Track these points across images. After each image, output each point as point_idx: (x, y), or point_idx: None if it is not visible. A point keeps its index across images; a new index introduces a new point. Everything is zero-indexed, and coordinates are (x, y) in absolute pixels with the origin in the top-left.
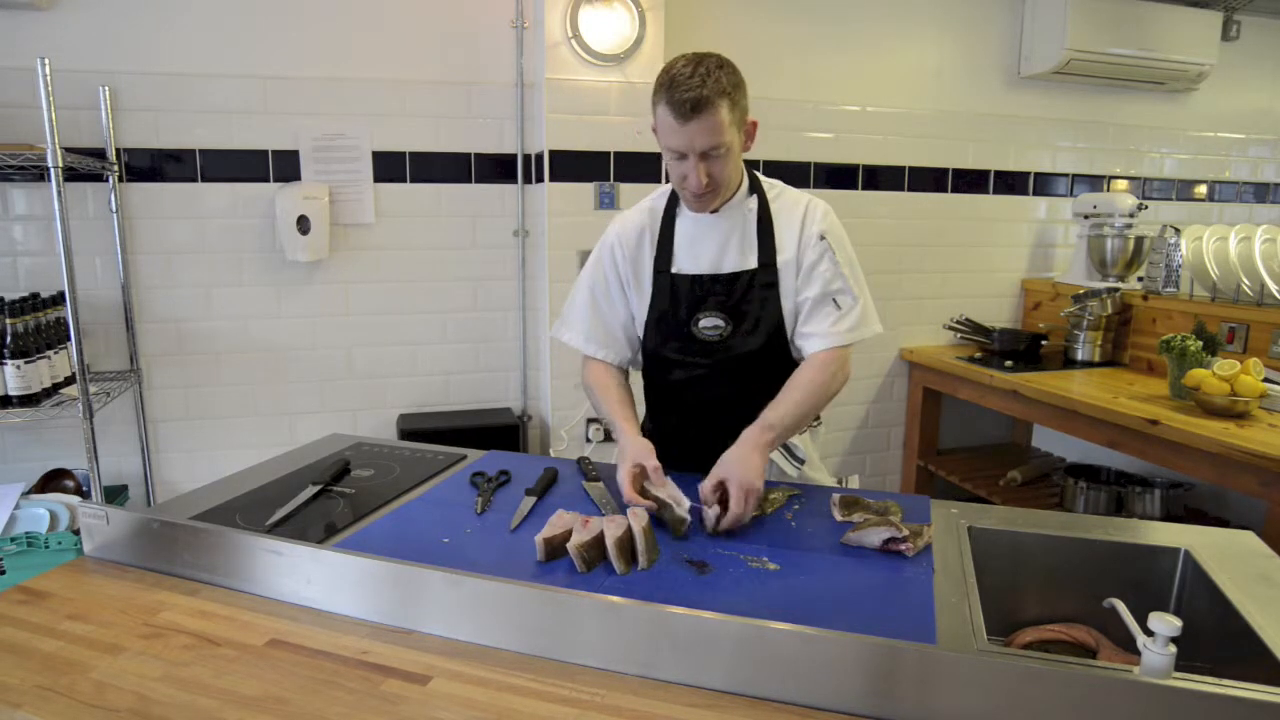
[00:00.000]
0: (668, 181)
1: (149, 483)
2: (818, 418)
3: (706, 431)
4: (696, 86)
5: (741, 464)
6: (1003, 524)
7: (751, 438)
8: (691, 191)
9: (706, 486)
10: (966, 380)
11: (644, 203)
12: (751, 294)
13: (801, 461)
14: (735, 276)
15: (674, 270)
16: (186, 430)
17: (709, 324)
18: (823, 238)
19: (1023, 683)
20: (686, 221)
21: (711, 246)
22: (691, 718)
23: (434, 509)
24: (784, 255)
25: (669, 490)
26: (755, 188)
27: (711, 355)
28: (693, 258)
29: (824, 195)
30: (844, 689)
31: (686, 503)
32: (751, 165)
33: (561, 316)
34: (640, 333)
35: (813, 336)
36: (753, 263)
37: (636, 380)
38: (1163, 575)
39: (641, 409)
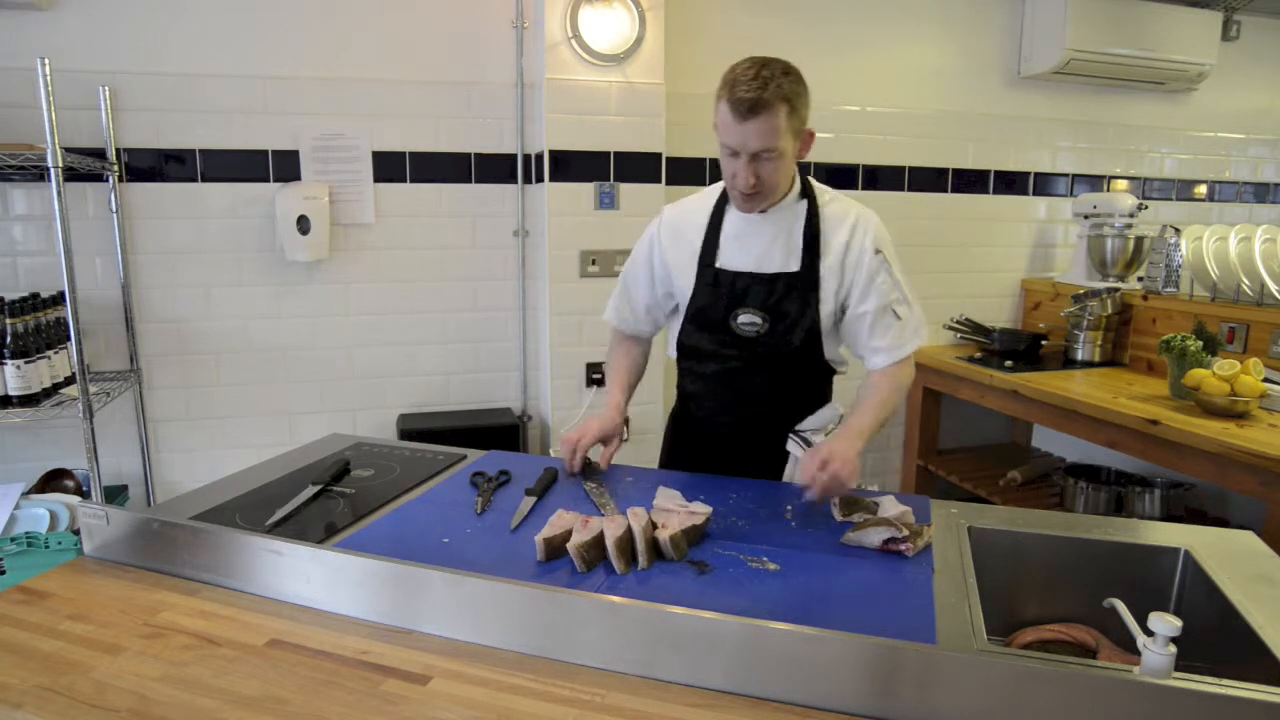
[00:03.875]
0: (670, 183)
1: (149, 483)
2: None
3: (735, 422)
4: (758, 88)
5: (838, 444)
6: (1003, 524)
7: (846, 430)
8: (739, 190)
9: (810, 465)
10: (966, 380)
11: (697, 194)
12: (792, 295)
13: None
14: (776, 277)
15: (719, 265)
16: (186, 430)
17: (747, 320)
18: (878, 251)
19: (1023, 683)
20: (735, 218)
21: (757, 245)
22: (691, 718)
23: (434, 509)
24: (828, 260)
25: (675, 500)
26: (807, 192)
27: (747, 350)
28: (738, 254)
29: None
30: (844, 689)
31: (706, 509)
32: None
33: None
34: (678, 321)
35: (880, 351)
36: (795, 266)
37: (656, 372)
38: (1163, 575)
39: (670, 395)
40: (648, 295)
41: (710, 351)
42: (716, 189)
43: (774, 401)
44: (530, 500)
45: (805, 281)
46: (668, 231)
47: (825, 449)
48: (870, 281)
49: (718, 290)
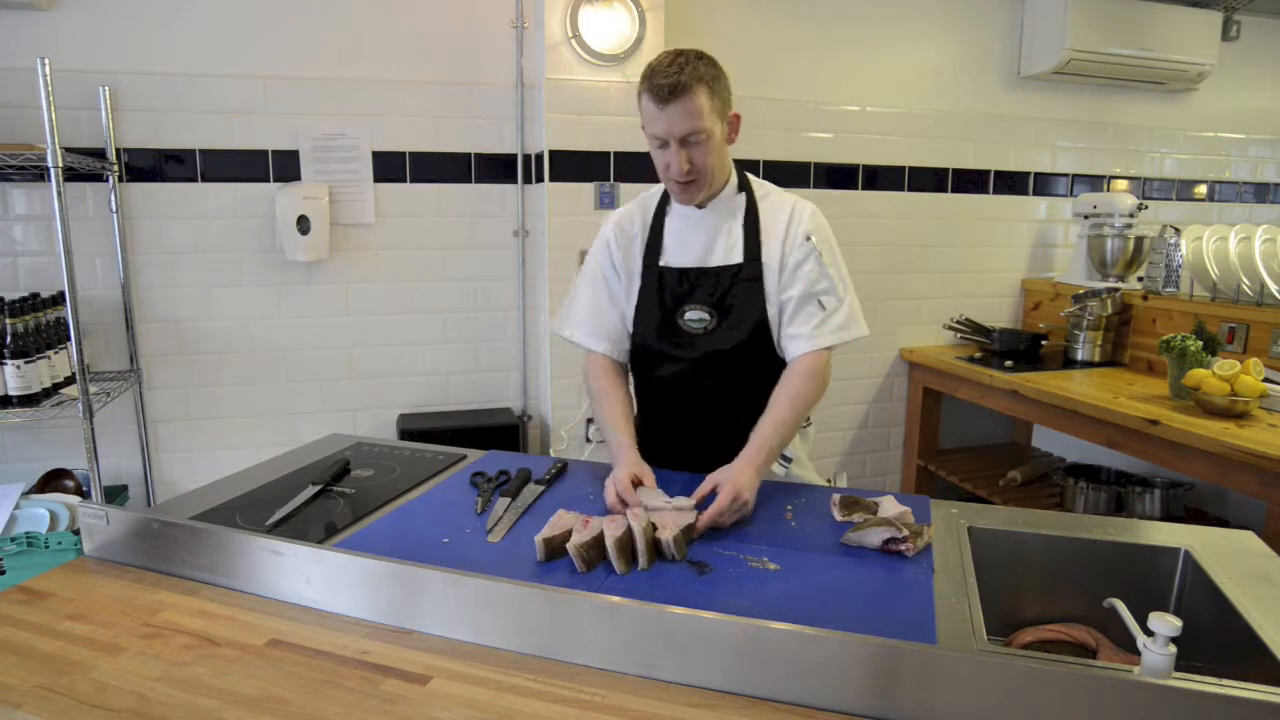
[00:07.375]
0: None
1: (149, 483)
2: (808, 419)
3: (695, 427)
4: (675, 73)
5: (734, 472)
6: (1003, 524)
7: (747, 455)
8: (674, 179)
9: (698, 493)
10: (966, 380)
11: (637, 199)
12: (736, 288)
13: (789, 460)
14: (720, 270)
15: (662, 264)
16: (186, 430)
17: (694, 316)
18: (809, 238)
19: (1023, 683)
20: (676, 217)
21: (699, 240)
22: (691, 718)
23: (434, 509)
24: (769, 253)
25: (663, 498)
26: (744, 186)
27: (697, 348)
28: (680, 251)
29: (824, 195)
30: (844, 689)
31: (690, 502)
32: (751, 165)
33: (561, 313)
34: (631, 326)
35: (797, 338)
36: (738, 258)
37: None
38: (1163, 575)
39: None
40: (623, 303)
41: (661, 353)
42: (655, 193)
43: (731, 400)
44: (505, 500)
45: (749, 273)
46: (615, 237)
47: (732, 483)
48: (797, 268)
49: (663, 289)
